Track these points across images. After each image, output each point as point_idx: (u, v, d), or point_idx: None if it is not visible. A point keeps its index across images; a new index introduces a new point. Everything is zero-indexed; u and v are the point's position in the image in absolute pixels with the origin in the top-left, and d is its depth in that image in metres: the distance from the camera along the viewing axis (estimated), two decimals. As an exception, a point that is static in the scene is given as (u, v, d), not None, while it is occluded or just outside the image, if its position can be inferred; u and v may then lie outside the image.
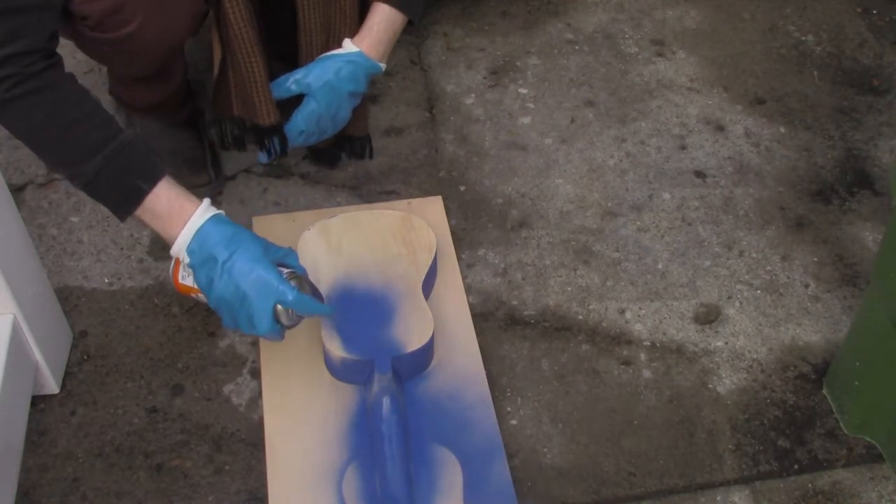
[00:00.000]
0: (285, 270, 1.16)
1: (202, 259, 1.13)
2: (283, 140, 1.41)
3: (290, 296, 1.13)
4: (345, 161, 1.58)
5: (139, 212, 1.13)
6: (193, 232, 1.13)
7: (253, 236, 1.16)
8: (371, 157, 1.58)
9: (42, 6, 1.08)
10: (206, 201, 1.15)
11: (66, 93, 1.09)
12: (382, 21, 1.36)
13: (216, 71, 1.40)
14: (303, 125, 1.40)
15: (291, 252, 1.19)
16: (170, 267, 1.24)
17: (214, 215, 1.15)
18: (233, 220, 1.48)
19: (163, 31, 1.25)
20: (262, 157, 1.43)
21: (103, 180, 1.11)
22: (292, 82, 1.38)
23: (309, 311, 1.17)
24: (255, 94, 1.35)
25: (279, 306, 1.13)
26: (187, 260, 1.15)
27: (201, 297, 1.20)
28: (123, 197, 1.13)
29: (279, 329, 1.16)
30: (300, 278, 1.18)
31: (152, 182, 1.12)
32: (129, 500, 1.18)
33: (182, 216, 1.13)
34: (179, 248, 1.14)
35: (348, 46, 1.38)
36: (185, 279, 1.22)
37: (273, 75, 1.40)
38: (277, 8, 1.39)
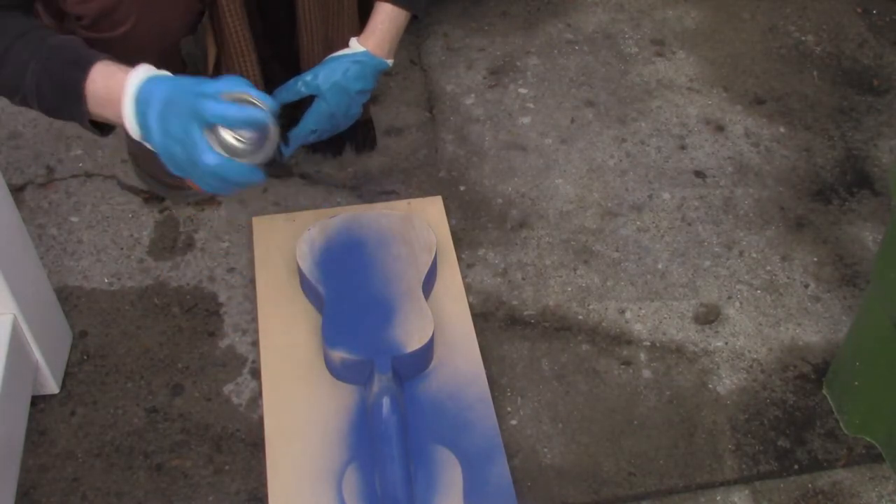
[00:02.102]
0: (229, 94, 0.99)
1: (146, 125, 0.99)
2: (286, 142, 1.41)
3: (210, 105, 0.95)
4: (349, 151, 1.58)
5: (90, 105, 1.02)
6: (133, 100, 0.99)
7: (184, 77, 1.01)
8: (374, 144, 1.58)
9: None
10: (145, 66, 1.02)
11: (3, 21, 1.05)
12: (386, 20, 1.36)
13: (210, 72, 1.40)
14: (313, 125, 1.40)
15: (239, 80, 1.02)
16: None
17: (153, 75, 1.01)
18: (232, 220, 1.50)
19: (157, 30, 1.25)
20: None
21: (44, 86, 1.02)
22: (301, 84, 1.38)
23: (241, 121, 0.98)
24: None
25: (222, 131, 0.97)
26: (138, 133, 1.00)
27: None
28: (69, 97, 1.02)
29: (229, 162, 0.98)
30: (244, 97, 0.99)
31: (85, 68, 1.01)
32: (129, 500, 1.18)
33: (120, 90, 1.00)
34: (131, 124, 1.00)
35: (354, 46, 1.38)
36: None
37: (272, 77, 1.40)
38: (275, 7, 1.40)
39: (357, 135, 1.57)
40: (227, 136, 0.98)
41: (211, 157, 0.98)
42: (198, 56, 1.69)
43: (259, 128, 1.00)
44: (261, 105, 0.99)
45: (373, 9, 1.38)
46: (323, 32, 1.40)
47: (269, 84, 1.41)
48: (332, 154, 1.58)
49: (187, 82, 1.01)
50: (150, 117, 0.98)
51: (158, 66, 1.38)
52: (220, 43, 1.34)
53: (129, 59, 1.30)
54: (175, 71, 1.45)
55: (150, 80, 1.01)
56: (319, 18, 1.38)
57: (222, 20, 1.30)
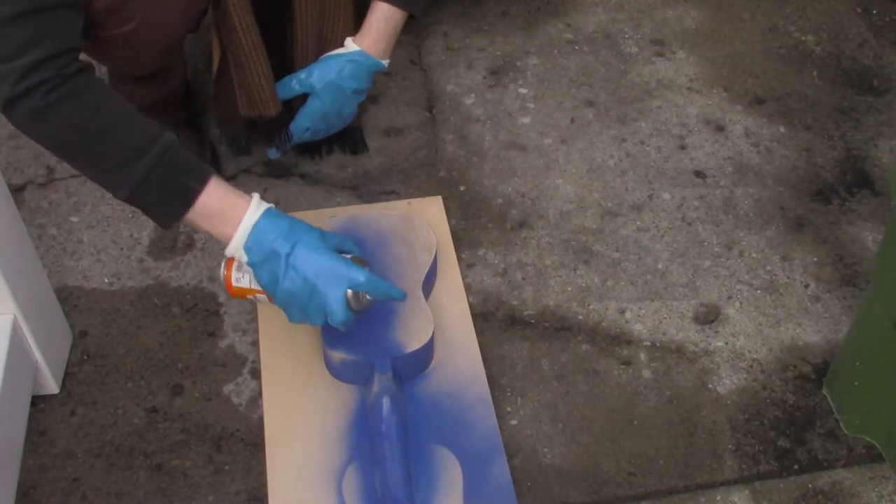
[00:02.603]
0: (347, 256, 1.15)
1: (263, 256, 1.10)
2: (289, 134, 1.43)
3: (363, 278, 1.11)
4: (336, 152, 1.58)
5: (191, 214, 1.09)
6: (249, 229, 1.10)
7: (309, 226, 1.14)
8: (365, 148, 1.58)
9: (66, 3, 1.04)
10: (257, 196, 1.13)
11: (103, 94, 1.05)
12: (382, 19, 1.37)
13: (215, 72, 1.40)
14: (308, 123, 1.41)
15: (346, 238, 1.18)
16: (220, 271, 1.19)
17: (267, 209, 1.12)
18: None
19: (162, 27, 1.25)
20: (272, 153, 1.45)
21: (154, 183, 1.06)
22: (296, 82, 1.40)
23: (381, 293, 1.15)
24: (261, 86, 1.36)
25: (349, 292, 1.12)
26: (245, 259, 1.11)
27: (259, 297, 1.18)
28: (174, 199, 1.08)
29: (352, 316, 1.13)
30: (363, 261, 1.17)
31: (203, 181, 1.08)
32: (129, 500, 1.18)
33: (236, 214, 1.10)
34: (236, 247, 1.11)
35: (349, 46, 1.39)
36: (240, 281, 1.17)
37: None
38: (270, 5, 1.40)
39: (346, 140, 1.57)
40: (352, 296, 1.12)
41: (343, 314, 1.11)
42: (197, 55, 1.69)
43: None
44: (368, 267, 1.17)
45: (369, 8, 1.38)
46: (317, 29, 1.40)
47: None
48: (312, 155, 1.58)
49: (309, 231, 1.13)
50: (277, 261, 1.10)
51: (162, 64, 1.39)
52: (227, 38, 1.34)
53: (135, 56, 1.30)
54: (177, 72, 1.46)
55: (271, 213, 1.12)
56: (315, 14, 1.38)
57: (230, 19, 1.30)
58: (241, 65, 1.35)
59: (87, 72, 1.04)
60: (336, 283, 1.11)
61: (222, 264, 1.19)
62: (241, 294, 1.20)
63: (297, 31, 1.39)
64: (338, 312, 1.11)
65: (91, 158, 1.07)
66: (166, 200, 1.09)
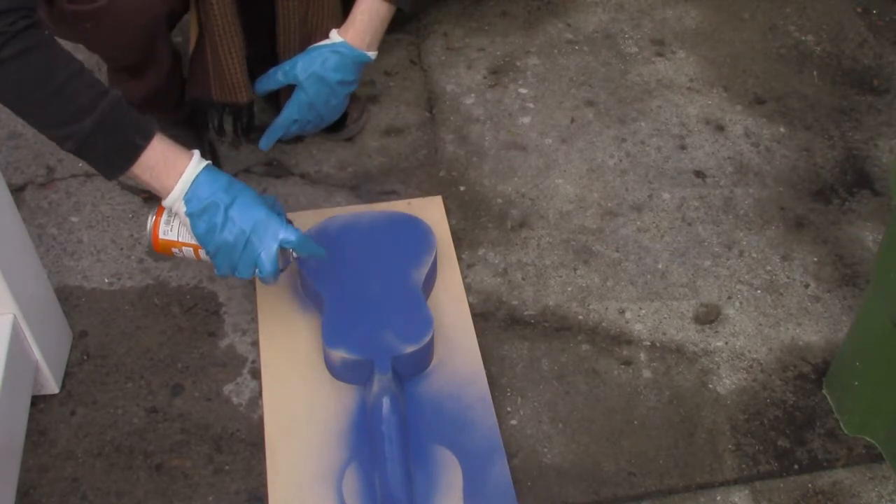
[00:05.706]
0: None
1: (202, 207, 1.14)
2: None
3: (294, 236, 1.16)
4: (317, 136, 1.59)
5: (135, 168, 1.12)
6: (191, 181, 1.13)
7: (246, 185, 1.18)
8: (343, 128, 1.59)
9: None
10: (197, 153, 1.16)
11: (53, 52, 1.06)
12: (366, 11, 1.38)
13: (191, 51, 1.40)
14: (295, 114, 1.42)
15: (276, 201, 1.22)
16: (147, 225, 1.22)
17: (207, 165, 1.16)
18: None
19: (134, 5, 1.25)
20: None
21: (100, 138, 1.08)
22: (281, 74, 1.40)
23: (308, 252, 1.20)
24: (235, 70, 1.37)
25: (279, 249, 1.17)
26: (184, 209, 1.14)
27: (186, 250, 1.20)
28: (119, 154, 1.11)
29: (278, 272, 1.18)
30: (290, 222, 1.21)
31: (148, 137, 1.12)
32: (129, 500, 1.18)
33: (177, 166, 1.13)
34: (176, 198, 1.14)
35: (334, 37, 1.39)
36: (167, 234, 1.20)
37: (253, 76, 1.41)
38: (256, 4, 1.40)
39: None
40: (280, 257, 1.18)
41: (273, 268, 1.17)
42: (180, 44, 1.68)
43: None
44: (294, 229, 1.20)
45: (355, 0, 1.39)
46: (302, 15, 1.40)
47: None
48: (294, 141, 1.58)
49: (246, 188, 1.18)
50: (216, 212, 1.14)
51: (146, 47, 1.38)
52: (205, 22, 1.34)
53: (111, 33, 1.30)
54: (165, 58, 1.45)
55: (211, 169, 1.15)
56: (299, 7, 1.39)
57: (209, 4, 1.30)
58: (216, 46, 1.35)
59: (36, 28, 1.04)
60: (271, 237, 1.15)
61: (149, 219, 1.21)
62: (165, 248, 1.21)
63: (279, 20, 1.39)
64: (268, 266, 1.16)
65: (38, 114, 1.08)
66: (111, 155, 1.12)
